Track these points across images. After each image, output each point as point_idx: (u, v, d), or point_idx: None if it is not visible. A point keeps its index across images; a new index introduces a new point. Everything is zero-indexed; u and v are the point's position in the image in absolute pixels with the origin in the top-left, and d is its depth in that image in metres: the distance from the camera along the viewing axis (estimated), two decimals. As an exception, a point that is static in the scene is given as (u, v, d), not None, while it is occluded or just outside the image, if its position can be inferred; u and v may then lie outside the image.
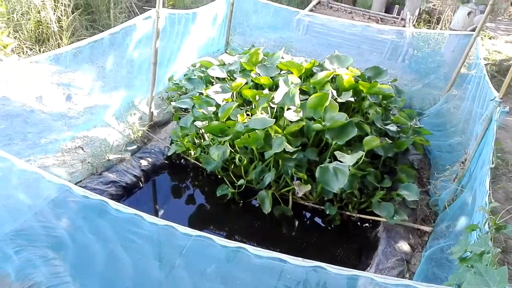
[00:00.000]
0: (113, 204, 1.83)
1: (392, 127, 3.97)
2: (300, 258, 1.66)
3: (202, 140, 4.00)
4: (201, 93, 4.41)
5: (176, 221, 3.17)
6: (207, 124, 3.85)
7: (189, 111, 4.18)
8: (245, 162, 3.60)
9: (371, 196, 3.70)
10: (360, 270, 3.21)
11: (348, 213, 3.67)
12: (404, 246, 3.37)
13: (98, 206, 1.91)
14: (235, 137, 3.64)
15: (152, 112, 4.26)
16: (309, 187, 3.43)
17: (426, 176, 4.26)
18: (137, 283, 2.31)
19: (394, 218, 3.44)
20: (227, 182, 3.76)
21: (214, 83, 4.67)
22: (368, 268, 3.15)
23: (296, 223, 3.67)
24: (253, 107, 4.24)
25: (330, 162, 3.71)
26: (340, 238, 3.60)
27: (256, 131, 3.45)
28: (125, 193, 3.54)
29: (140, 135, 4.05)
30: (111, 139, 3.86)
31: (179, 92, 4.63)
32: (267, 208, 3.52)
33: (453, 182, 3.61)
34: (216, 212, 3.70)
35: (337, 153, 3.52)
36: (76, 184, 3.38)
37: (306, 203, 3.73)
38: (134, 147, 3.95)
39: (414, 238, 3.53)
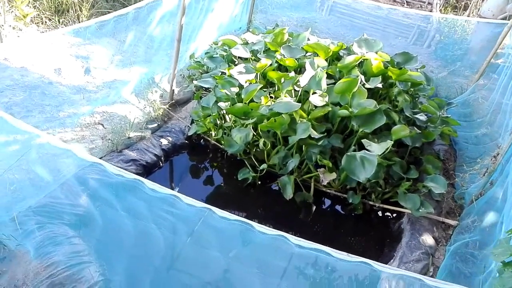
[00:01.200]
0: (149, 183, 1.76)
1: (422, 117, 3.83)
2: (345, 253, 1.58)
3: (223, 122, 3.90)
4: (223, 73, 4.28)
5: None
6: (230, 105, 3.75)
7: (211, 91, 4.08)
8: (268, 146, 3.50)
9: (396, 187, 3.61)
10: (383, 262, 3.16)
11: (371, 202, 3.57)
12: (428, 239, 3.28)
13: (132, 185, 1.83)
14: (259, 120, 3.54)
15: (173, 90, 4.16)
16: (334, 175, 3.34)
17: (452, 167, 4.13)
18: (166, 260, 2.23)
19: (420, 210, 3.34)
20: (248, 166, 3.67)
21: (236, 63, 4.55)
22: (392, 260, 3.07)
23: (318, 210, 3.59)
24: (276, 89, 4.13)
25: (355, 150, 3.61)
26: (363, 228, 3.52)
27: (282, 115, 3.34)
28: (145, 172, 3.46)
29: (161, 113, 3.96)
30: (132, 116, 3.78)
31: (201, 71, 4.51)
32: (288, 194, 3.43)
33: (482, 176, 3.48)
34: (236, 195, 3.62)
35: (364, 141, 3.41)
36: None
37: (328, 190, 3.64)
38: (155, 125, 3.87)
39: (439, 231, 3.44)
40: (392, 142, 3.32)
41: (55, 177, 2.96)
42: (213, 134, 3.89)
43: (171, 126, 3.93)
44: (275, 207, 3.56)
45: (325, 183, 3.30)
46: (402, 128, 3.48)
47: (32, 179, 2.92)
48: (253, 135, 3.56)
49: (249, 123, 3.50)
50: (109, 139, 3.45)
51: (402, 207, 3.48)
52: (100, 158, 3.36)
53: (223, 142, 3.70)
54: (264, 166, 3.46)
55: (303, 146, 3.53)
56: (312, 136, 3.35)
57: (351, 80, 3.58)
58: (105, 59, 4.79)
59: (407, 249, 3.14)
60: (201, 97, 4.10)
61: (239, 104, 3.52)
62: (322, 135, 3.43)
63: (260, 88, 3.81)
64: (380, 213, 3.64)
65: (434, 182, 3.50)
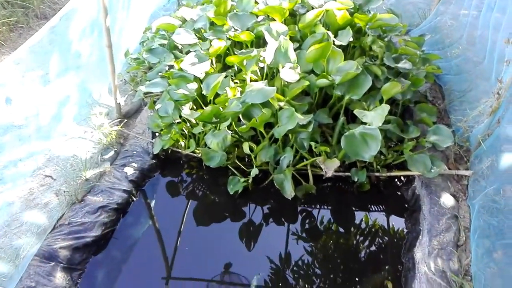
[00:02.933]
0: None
1: (406, 64, 3.39)
2: None
3: (190, 126, 3.32)
4: (170, 66, 3.64)
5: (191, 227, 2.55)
6: (192, 108, 3.18)
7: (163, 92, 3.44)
8: (255, 149, 2.99)
9: (396, 148, 3.28)
10: (412, 239, 2.86)
11: (377, 174, 3.22)
12: (448, 199, 2.99)
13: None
14: (234, 119, 3.01)
15: (119, 103, 3.49)
16: (337, 162, 2.91)
17: (443, 107, 3.81)
18: None
19: (432, 171, 3.03)
20: (234, 171, 3.17)
21: (180, 48, 3.89)
22: (420, 237, 2.77)
23: (323, 199, 3.20)
24: (236, 70, 3.57)
25: (345, 122, 3.20)
26: (376, 205, 3.18)
27: (263, 111, 2.83)
28: (119, 216, 2.91)
29: (114, 136, 3.32)
30: (81, 152, 3.12)
31: (143, 69, 3.82)
32: (289, 193, 3.00)
33: (489, 115, 3.16)
34: (229, 205, 3.13)
35: (356, 111, 2.99)
36: (58, 221, 2.72)
37: (328, 173, 3.23)
38: (112, 153, 3.23)
39: (453, 185, 3.16)
40: (389, 107, 2.90)
41: None
42: (182, 144, 3.33)
43: (130, 148, 3.31)
44: (277, 207, 3.13)
45: (330, 174, 2.87)
46: (393, 85, 3.06)
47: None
48: (231, 136, 3.04)
49: (223, 126, 2.96)
50: (64, 191, 2.82)
51: (410, 170, 3.16)
52: (61, 217, 2.77)
53: (198, 153, 3.16)
54: (254, 171, 2.96)
55: (289, 134, 3.07)
56: (301, 124, 2.88)
57: (324, 46, 3.06)
58: (25, 80, 3.99)
59: (432, 219, 2.84)
60: (154, 102, 3.47)
61: (208, 109, 2.94)
62: (308, 117, 2.96)
63: (223, 77, 3.24)
64: (387, 183, 3.31)
65: (438, 134, 3.16)
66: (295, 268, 2.77)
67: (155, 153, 3.29)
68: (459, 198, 3.08)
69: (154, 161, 3.30)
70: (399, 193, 3.22)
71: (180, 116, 3.28)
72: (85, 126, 3.35)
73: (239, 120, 3.14)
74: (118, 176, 3.05)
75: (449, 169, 3.18)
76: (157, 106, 3.40)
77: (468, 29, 4.09)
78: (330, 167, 2.86)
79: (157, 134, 3.47)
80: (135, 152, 3.26)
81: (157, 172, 3.31)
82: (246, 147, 2.88)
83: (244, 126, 2.85)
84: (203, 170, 3.36)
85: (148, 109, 3.56)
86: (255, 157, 3.06)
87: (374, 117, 2.86)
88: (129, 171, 3.11)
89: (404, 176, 3.28)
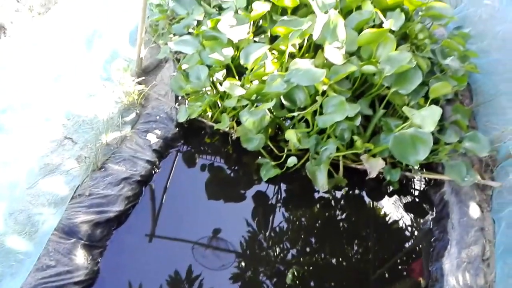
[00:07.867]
0: None
1: (454, 62, 3.22)
2: None
3: (219, 96, 3.02)
4: (199, 22, 3.27)
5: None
6: (224, 75, 2.88)
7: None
8: (297, 136, 2.76)
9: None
10: (440, 248, 2.84)
11: (408, 174, 3.13)
12: (476, 210, 2.97)
13: None
14: (276, 97, 2.76)
15: (141, 58, 3.11)
16: (381, 162, 2.77)
17: (470, 108, 3.72)
18: None
19: (466, 179, 2.97)
20: (264, 153, 2.95)
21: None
22: (449, 246, 2.75)
23: (352, 194, 3.09)
24: (269, 35, 3.28)
25: (386, 114, 3.06)
26: (405, 205, 3.10)
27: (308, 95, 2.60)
28: (142, 189, 2.66)
29: (137, 96, 2.98)
30: (102, 112, 2.78)
31: (168, 21, 3.41)
32: (321, 185, 2.85)
33: (522, 127, 3.12)
34: (256, 189, 2.95)
35: (405, 109, 2.81)
36: (76, 189, 2.44)
37: (358, 166, 3.10)
38: (133, 115, 2.91)
39: (478, 194, 3.14)
40: (441, 110, 2.74)
41: None
42: (209, 115, 3.05)
43: (153, 112, 2.99)
44: (305, 197, 2.99)
45: (374, 175, 2.73)
46: (444, 85, 2.90)
47: None
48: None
49: (266, 106, 2.70)
50: (85, 156, 2.51)
51: (440, 173, 3.10)
52: (81, 184, 2.47)
53: (240, 137, 2.90)
54: (292, 160, 2.75)
55: (330, 122, 2.88)
56: (350, 116, 2.69)
57: (381, 32, 2.83)
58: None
59: (462, 230, 2.82)
60: (178, 60, 3.12)
61: (253, 86, 2.66)
62: (356, 109, 2.77)
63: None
64: (415, 183, 3.24)
65: (475, 141, 3.07)
66: (319, 262, 2.70)
67: (179, 121, 3.00)
68: (484, 209, 3.07)
69: (177, 129, 3.02)
70: (427, 197, 3.15)
71: (213, 83, 2.99)
72: (104, 79, 2.98)
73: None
74: (141, 143, 2.77)
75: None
76: (184, 67, 3.06)
77: (504, 31, 3.93)
78: (374, 167, 2.72)
79: (179, 98, 3.17)
80: (158, 118, 2.95)
81: (180, 142, 3.04)
82: (292, 135, 2.64)
83: (296, 114, 2.61)
84: (228, 145, 3.12)
85: (177, 70, 3.20)
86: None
87: (425, 119, 2.70)
88: (152, 138, 2.83)
89: (433, 180, 3.22)
